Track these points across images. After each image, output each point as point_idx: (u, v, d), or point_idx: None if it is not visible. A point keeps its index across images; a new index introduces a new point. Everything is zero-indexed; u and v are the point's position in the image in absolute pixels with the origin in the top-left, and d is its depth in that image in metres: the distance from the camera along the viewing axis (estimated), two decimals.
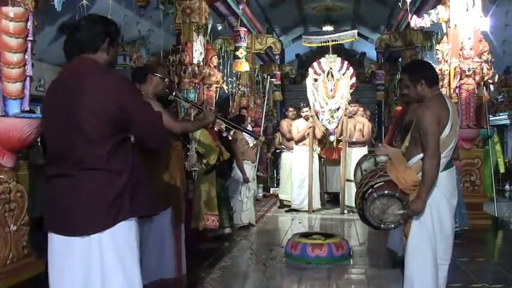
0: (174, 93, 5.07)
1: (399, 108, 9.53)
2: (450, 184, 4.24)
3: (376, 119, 18.55)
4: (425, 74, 4.22)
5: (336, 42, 11.01)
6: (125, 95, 2.94)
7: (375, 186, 4.20)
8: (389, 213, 4.18)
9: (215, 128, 8.70)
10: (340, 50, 15.58)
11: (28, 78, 4.40)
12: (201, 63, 9.51)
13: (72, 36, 3.02)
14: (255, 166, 9.50)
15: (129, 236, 2.98)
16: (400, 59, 15.11)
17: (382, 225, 4.25)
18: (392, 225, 4.25)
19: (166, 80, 4.92)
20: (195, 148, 6.89)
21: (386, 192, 4.13)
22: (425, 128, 4.03)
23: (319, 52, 13.92)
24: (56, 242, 2.94)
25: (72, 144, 2.89)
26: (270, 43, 14.37)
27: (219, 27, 11.85)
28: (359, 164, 4.66)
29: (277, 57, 16.16)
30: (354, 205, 10.13)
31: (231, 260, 6.61)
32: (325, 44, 11.00)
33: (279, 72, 16.43)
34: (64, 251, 2.91)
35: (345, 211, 10.26)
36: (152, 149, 3.24)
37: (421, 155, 4.11)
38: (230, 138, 9.02)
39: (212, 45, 11.05)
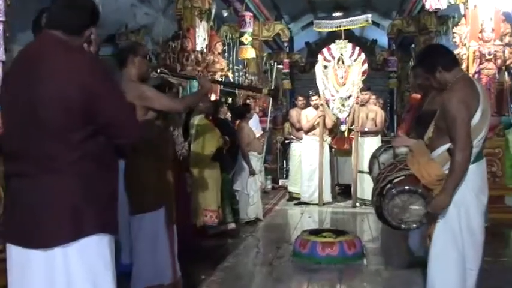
0: (159, 70, 4.57)
1: (416, 95, 8.95)
2: (480, 179, 3.69)
3: (388, 108, 17.91)
4: (439, 59, 3.69)
5: (348, 27, 10.41)
6: (92, 78, 2.41)
7: (394, 181, 3.68)
8: (411, 211, 3.67)
9: (222, 116, 8.18)
10: (350, 37, 14.83)
11: (0, 63, 4.12)
12: (205, 50, 8.99)
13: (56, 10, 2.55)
14: (262, 157, 8.95)
15: (102, 251, 2.49)
16: (413, 45, 14.46)
17: (402, 225, 3.73)
18: (414, 225, 3.74)
19: (148, 58, 4.50)
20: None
21: (407, 187, 3.62)
22: (453, 115, 3.48)
23: (329, 39, 13.31)
24: (15, 254, 2.45)
25: (30, 138, 2.38)
26: (278, 30, 13.79)
27: (225, 14, 11.30)
28: (376, 156, 4.13)
29: (285, 44, 15.57)
30: (366, 198, 9.70)
31: (235, 260, 6.07)
32: (337, 29, 10.42)
33: (287, 60, 15.84)
34: (24, 265, 2.42)
35: (357, 204, 9.68)
36: (123, 145, 2.69)
37: (447, 146, 3.56)
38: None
39: (217, 33, 10.52)
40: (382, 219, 3.86)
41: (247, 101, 10.51)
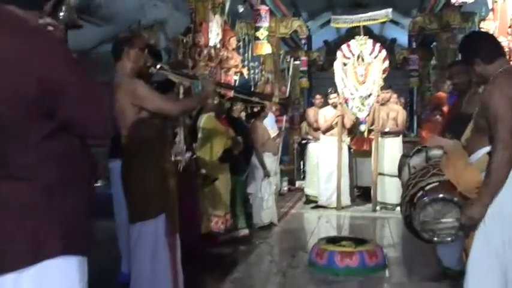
0: (158, 65, 4.08)
1: (441, 94, 8.39)
2: None
3: (408, 108, 17.26)
4: (478, 50, 3.19)
5: (368, 23, 9.87)
6: (52, 65, 1.90)
7: (426, 188, 3.16)
8: (445, 222, 3.14)
9: (235, 115, 7.68)
10: (369, 36, 14.39)
11: None
12: (218, 45, 8.49)
13: None
14: (278, 158, 8.43)
15: (68, 276, 2.00)
16: (434, 43, 13.85)
17: (435, 238, 3.21)
18: (448, 239, 3.21)
19: (146, 52, 3.95)
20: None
21: (441, 195, 3.10)
22: (494, 112, 2.94)
23: (348, 38, 12.74)
24: None
25: None
26: (296, 26, 13.24)
27: (240, 9, 10.78)
28: (406, 157, 3.60)
29: (303, 41, 15.00)
30: (387, 201, 9.17)
31: (245, 269, 5.56)
32: (356, 24, 9.88)
33: (305, 58, 15.28)
34: None
35: (377, 208, 9.11)
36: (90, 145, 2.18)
37: (487, 148, 3.03)
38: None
39: (233, 29, 10.02)
40: (412, 231, 3.35)
41: None
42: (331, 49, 18.92)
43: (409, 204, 3.27)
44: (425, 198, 3.13)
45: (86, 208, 2.06)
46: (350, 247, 5.42)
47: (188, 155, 4.21)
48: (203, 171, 5.98)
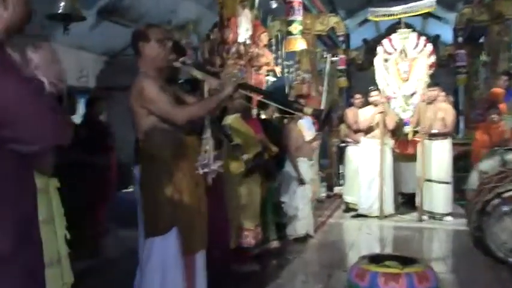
0: (181, 60, 3.45)
1: (497, 90, 7.50)
2: None
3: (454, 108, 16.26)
4: None
5: (409, 15, 9.04)
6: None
7: (504, 195, 2.44)
8: None
9: (263, 116, 6.96)
10: None
11: None
12: (248, 42, 7.77)
13: None
14: (314, 164, 7.67)
15: None
16: (483, 36, 12.84)
17: (510, 259, 2.48)
18: None
19: (167, 44, 3.39)
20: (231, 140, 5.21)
21: None
22: None
23: (389, 36, 11.93)
24: None
25: None
26: (333, 23, 12.46)
27: (273, 5, 10.05)
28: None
29: (341, 39, 14.18)
30: (435, 211, 8.31)
31: None
32: (396, 17, 9.10)
33: (343, 56, 14.46)
34: None
35: (424, 217, 8.24)
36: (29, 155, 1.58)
37: None
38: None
39: (266, 27, 9.29)
40: (482, 248, 2.60)
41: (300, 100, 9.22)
42: (370, 48, 18.09)
43: (481, 213, 2.53)
44: (503, 207, 2.39)
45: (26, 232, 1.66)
46: (396, 268, 4.60)
47: (218, 164, 3.46)
48: (244, 157, 5.24)
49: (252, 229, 5.48)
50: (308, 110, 3.33)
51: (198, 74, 3.51)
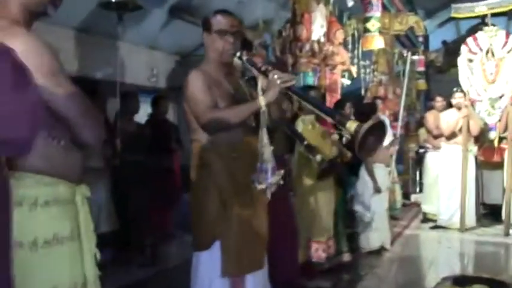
0: (237, 54, 2.91)
1: None
2: None
3: None
4: None
5: (497, 10, 8.20)
6: None
7: None
8: None
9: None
10: None
11: None
12: (322, 39, 7.20)
13: None
14: (391, 170, 7.00)
15: None
16: None
17: None
18: None
19: (231, 37, 2.90)
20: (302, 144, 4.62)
21: None
22: None
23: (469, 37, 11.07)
24: None
25: None
26: (412, 22, 11.63)
27: (350, 3, 9.41)
28: None
29: (420, 39, 13.34)
30: None
31: None
32: (481, 13, 8.27)
33: (422, 57, 13.60)
34: None
35: (511, 232, 7.40)
36: None
37: None
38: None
39: (343, 25, 8.67)
40: None
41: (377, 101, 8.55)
42: (450, 50, 17.23)
43: None
44: None
45: None
46: None
47: (277, 177, 2.84)
48: (318, 158, 4.59)
49: (322, 241, 4.92)
50: (351, 125, 2.52)
51: (254, 70, 2.96)
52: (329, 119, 2.74)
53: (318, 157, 4.56)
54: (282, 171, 2.79)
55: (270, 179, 2.70)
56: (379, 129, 2.52)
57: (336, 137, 5.30)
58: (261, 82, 2.78)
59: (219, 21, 2.90)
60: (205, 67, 2.94)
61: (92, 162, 4.63)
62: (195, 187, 2.94)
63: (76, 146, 1.97)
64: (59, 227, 1.89)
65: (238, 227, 2.80)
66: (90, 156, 4.71)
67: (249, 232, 2.85)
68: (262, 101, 2.70)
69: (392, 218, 8.43)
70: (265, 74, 2.75)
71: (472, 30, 11.39)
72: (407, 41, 13.48)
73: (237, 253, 2.80)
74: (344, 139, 5.05)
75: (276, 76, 2.69)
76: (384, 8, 10.05)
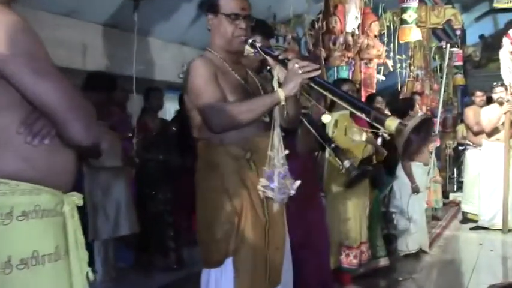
0: (250, 41, 2.47)
1: None
2: None
3: None
4: None
5: None
6: None
7: None
8: None
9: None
10: None
11: None
12: (357, 32, 6.76)
13: None
14: (430, 169, 6.54)
15: None
16: None
17: None
18: None
19: (242, 21, 2.47)
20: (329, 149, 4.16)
21: None
22: None
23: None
24: None
25: None
26: (450, 15, 11.06)
27: None
28: None
29: (457, 32, 12.74)
30: None
31: None
32: None
33: (460, 51, 13.00)
34: None
35: None
36: None
37: None
38: None
39: (379, 18, 8.20)
40: None
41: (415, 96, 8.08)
42: (488, 44, 16.71)
43: None
44: None
45: None
46: None
47: (290, 192, 2.40)
48: (346, 164, 4.12)
49: (354, 247, 4.50)
50: (391, 123, 2.08)
51: (270, 60, 2.53)
52: (363, 116, 2.26)
53: (347, 163, 4.08)
54: (297, 182, 2.38)
55: (275, 187, 2.30)
56: (424, 128, 2.11)
57: (371, 135, 4.86)
58: (277, 72, 2.38)
59: (229, 3, 2.46)
60: (209, 55, 2.51)
61: (108, 161, 4.31)
62: (202, 195, 2.51)
63: (66, 145, 1.62)
64: (40, 243, 1.54)
65: (253, 241, 2.37)
66: (108, 155, 4.41)
67: (264, 246, 2.45)
68: (281, 93, 2.28)
69: (434, 218, 8.00)
70: (283, 63, 2.33)
71: (511, 24, 10.82)
72: (444, 34, 12.88)
73: (252, 271, 2.38)
74: (380, 139, 4.65)
75: (297, 65, 2.26)
76: (421, 0, 9.55)
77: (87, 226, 4.31)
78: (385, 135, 2.10)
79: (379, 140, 4.90)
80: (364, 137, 4.59)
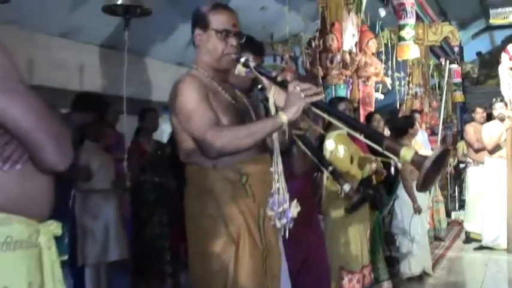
0: (242, 59, 2.28)
1: None
2: None
3: None
4: None
5: None
6: None
7: None
8: None
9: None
10: None
11: None
12: (354, 50, 6.63)
13: None
14: (433, 189, 6.35)
15: None
16: None
17: None
18: None
19: (230, 37, 2.29)
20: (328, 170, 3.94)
21: None
22: None
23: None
24: None
25: None
26: (447, 32, 10.95)
27: (382, 13, 8.82)
28: None
29: (455, 49, 12.63)
30: None
31: None
32: None
33: (459, 68, 12.88)
34: None
35: None
36: None
37: None
38: None
39: (377, 36, 8.07)
40: None
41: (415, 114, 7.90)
42: (485, 61, 16.62)
43: None
44: None
45: None
46: None
47: (292, 216, 2.20)
48: (346, 188, 3.86)
49: (357, 272, 4.29)
50: (407, 152, 1.91)
51: (262, 77, 2.35)
52: (375, 145, 2.06)
53: (346, 186, 3.85)
54: (294, 203, 2.19)
55: (282, 217, 2.12)
56: (442, 159, 1.97)
57: (370, 155, 4.65)
58: (273, 94, 2.19)
59: (219, 19, 2.29)
60: (196, 73, 2.32)
61: (98, 184, 4.14)
62: (195, 222, 2.29)
63: (42, 171, 1.44)
64: (10, 279, 1.35)
65: (252, 272, 2.19)
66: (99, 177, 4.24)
67: (263, 276, 2.25)
68: (283, 117, 2.08)
69: (436, 238, 7.79)
70: (282, 85, 2.15)
71: (508, 40, 10.71)
72: (442, 52, 12.80)
73: None
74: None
75: (298, 88, 2.08)
76: (418, 18, 9.44)
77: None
78: (399, 164, 1.94)
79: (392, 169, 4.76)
80: (374, 166, 4.40)
